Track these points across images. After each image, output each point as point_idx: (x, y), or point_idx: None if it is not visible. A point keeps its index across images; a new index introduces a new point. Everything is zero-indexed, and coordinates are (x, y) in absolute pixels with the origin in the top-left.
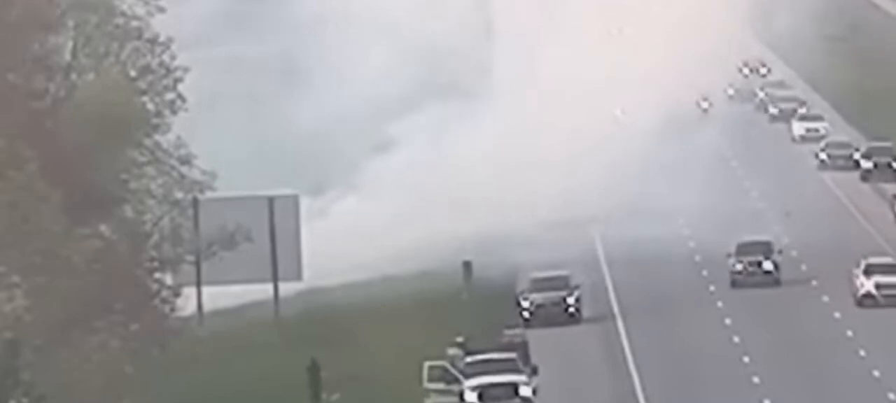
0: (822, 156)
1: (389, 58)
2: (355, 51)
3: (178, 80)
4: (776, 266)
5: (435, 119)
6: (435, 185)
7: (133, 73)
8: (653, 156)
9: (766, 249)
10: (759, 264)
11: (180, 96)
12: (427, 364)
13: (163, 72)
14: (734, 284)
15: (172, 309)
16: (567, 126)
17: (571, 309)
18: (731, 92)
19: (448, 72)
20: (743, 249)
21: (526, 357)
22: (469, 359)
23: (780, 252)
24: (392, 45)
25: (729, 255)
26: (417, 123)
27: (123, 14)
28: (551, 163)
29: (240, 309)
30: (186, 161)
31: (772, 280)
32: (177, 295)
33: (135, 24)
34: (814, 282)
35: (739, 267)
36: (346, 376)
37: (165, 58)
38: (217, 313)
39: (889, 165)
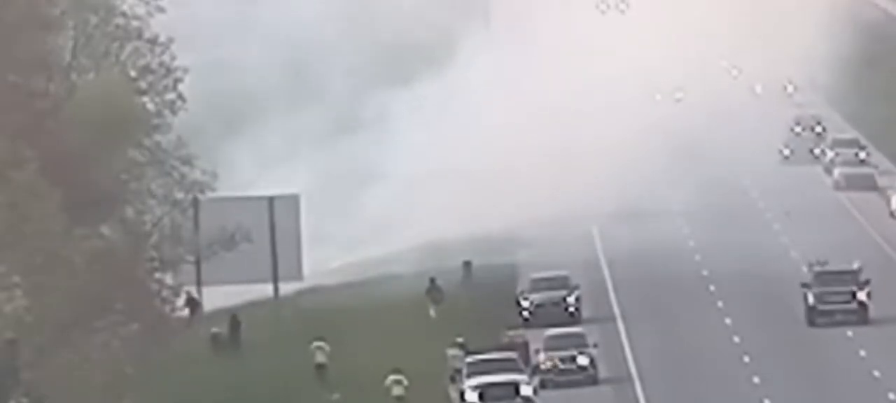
0: None
1: (387, 55)
2: (354, 50)
3: (178, 80)
4: (869, 296)
5: (433, 118)
6: (435, 185)
7: (133, 73)
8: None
9: (855, 278)
10: (854, 296)
11: (180, 96)
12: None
13: (163, 72)
14: (813, 323)
15: (172, 309)
16: (568, 126)
17: (571, 309)
18: (786, 151)
19: (446, 69)
20: (825, 278)
21: (526, 358)
22: (470, 359)
23: (868, 281)
24: (390, 44)
25: (804, 285)
26: (416, 122)
27: (123, 14)
28: (552, 163)
29: (240, 309)
30: (187, 161)
31: (862, 316)
32: (177, 295)
33: (135, 24)
34: None
35: (820, 299)
36: (345, 375)
37: (165, 58)
38: (217, 313)
39: None
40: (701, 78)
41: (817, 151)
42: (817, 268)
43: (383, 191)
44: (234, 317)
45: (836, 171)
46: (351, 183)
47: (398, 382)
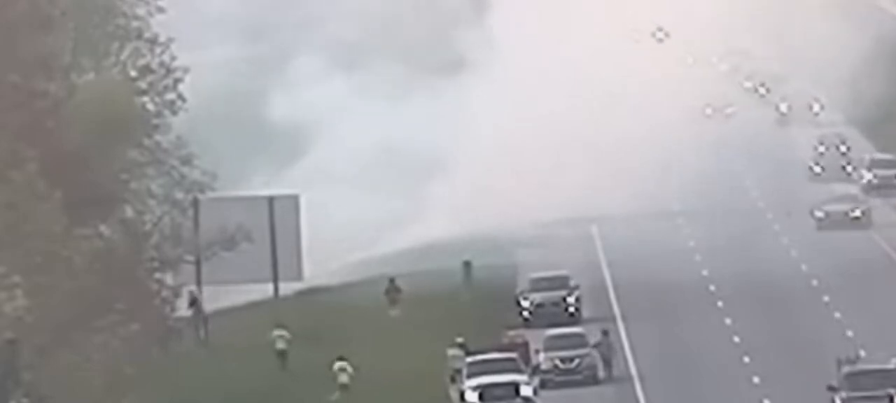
0: None
1: (386, 55)
2: (352, 50)
3: (178, 80)
4: None
5: (433, 119)
6: (435, 185)
7: (133, 73)
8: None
9: (892, 379)
10: (891, 400)
11: (180, 96)
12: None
13: (163, 72)
14: None
15: (172, 309)
16: (569, 126)
17: (571, 309)
18: (817, 169)
19: (445, 69)
20: (856, 381)
21: (526, 357)
22: (470, 359)
23: None
24: (388, 45)
25: (831, 388)
26: (415, 123)
27: (123, 14)
28: (552, 163)
29: (240, 309)
30: (187, 161)
31: None
32: (177, 295)
33: (135, 24)
34: (814, 282)
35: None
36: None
37: (165, 58)
38: (217, 313)
39: None
40: (731, 96)
41: (849, 169)
42: (847, 368)
43: (383, 191)
44: (195, 299)
45: (817, 212)
46: (351, 184)
47: (343, 369)
